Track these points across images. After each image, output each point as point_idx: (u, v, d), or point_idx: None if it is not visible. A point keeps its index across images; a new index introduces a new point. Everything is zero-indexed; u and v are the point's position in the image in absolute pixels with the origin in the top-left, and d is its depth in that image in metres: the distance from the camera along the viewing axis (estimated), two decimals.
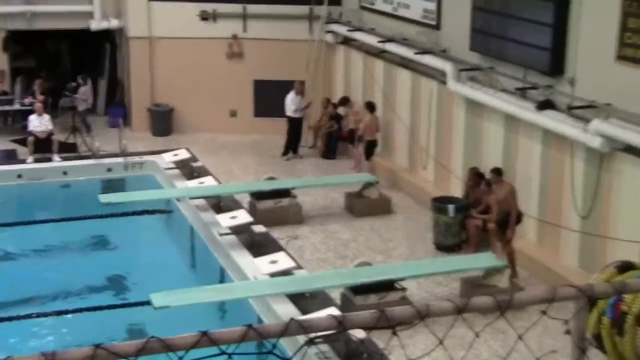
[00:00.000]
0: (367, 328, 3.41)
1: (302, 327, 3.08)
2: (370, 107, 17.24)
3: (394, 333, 3.38)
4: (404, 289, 11.75)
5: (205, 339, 2.99)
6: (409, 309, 3.42)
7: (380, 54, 17.94)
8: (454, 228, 13.90)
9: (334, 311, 10.70)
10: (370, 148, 17.10)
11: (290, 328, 3.07)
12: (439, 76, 15.69)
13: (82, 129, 19.65)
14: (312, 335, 3.19)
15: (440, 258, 13.62)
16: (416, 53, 16.21)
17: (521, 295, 4.39)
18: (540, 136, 13.15)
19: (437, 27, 16.09)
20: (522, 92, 13.46)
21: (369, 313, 3.26)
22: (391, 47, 17.26)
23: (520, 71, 13.54)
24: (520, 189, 13.06)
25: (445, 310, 3.59)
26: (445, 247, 13.98)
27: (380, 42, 17.58)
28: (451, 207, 13.96)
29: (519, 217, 12.76)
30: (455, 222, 13.88)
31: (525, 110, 13.15)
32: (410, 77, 17.02)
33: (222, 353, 3.14)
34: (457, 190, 15.06)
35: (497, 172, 13.02)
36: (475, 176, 14.22)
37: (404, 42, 16.97)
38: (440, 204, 14.16)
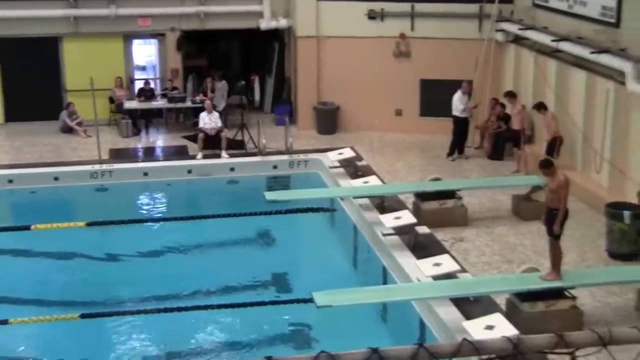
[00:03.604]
0: (544, 352, 3.14)
1: (475, 349, 2.86)
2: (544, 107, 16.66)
3: (573, 359, 3.11)
4: (574, 298, 11.23)
5: (376, 356, 2.85)
6: (590, 334, 3.13)
7: (553, 53, 17.30)
8: (630, 236, 13.18)
9: (499, 317, 10.42)
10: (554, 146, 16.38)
11: (463, 349, 2.86)
12: (617, 76, 14.94)
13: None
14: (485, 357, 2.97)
15: (614, 267, 12.96)
16: (592, 52, 15.50)
17: None
18: None
19: (616, 24, 15.31)
20: None
21: (546, 337, 3.01)
22: (565, 46, 16.60)
23: None
24: None
25: (632, 338, 3.26)
26: (619, 256, 13.28)
27: (554, 40, 16.94)
28: (627, 214, 13.23)
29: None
30: (631, 229, 13.16)
31: None
32: (584, 78, 16.31)
33: None
34: (633, 196, 14.26)
35: (546, 164, 11.49)
36: None
37: (579, 40, 16.27)
38: (615, 209, 13.46)
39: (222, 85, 21.29)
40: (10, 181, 17.86)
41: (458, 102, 18.61)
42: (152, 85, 22.25)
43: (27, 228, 14.11)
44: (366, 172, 17.25)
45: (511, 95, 18.04)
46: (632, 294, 11.79)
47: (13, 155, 19.51)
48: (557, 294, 11.21)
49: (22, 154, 19.46)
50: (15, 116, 21.60)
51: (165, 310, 12.08)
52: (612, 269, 12.69)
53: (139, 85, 22.27)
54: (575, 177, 16.40)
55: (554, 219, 11.24)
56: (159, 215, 17.26)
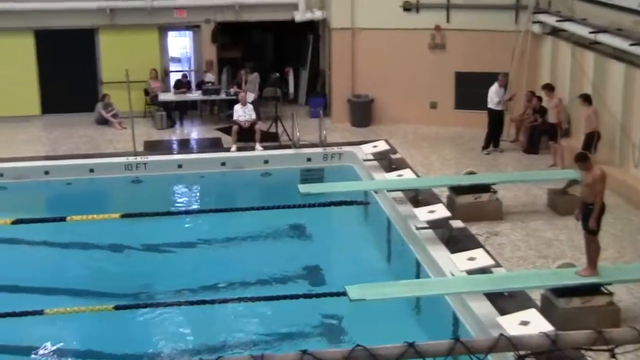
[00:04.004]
0: (582, 348, 3.06)
1: (512, 344, 2.79)
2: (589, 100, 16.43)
3: (613, 356, 3.02)
4: (611, 294, 11.06)
5: (412, 350, 2.79)
6: (630, 331, 3.03)
7: (591, 45, 17.05)
8: None
9: (534, 313, 10.28)
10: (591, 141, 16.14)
11: (500, 344, 2.79)
12: None
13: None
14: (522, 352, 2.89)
15: None
16: (632, 44, 15.25)
17: None
18: None
19: None
20: None
21: (585, 333, 2.92)
22: (604, 37, 16.36)
23: None
24: None
25: None
26: None
27: (592, 32, 16.70)
28: None
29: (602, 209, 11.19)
30: None
31: None
32: (623, 70, 16.06)
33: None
34: None
35: (581, 158, 11.26)
36: None
37: (619, 32, 16.03)
38: None
39: (253, 78, 21.24)
40: (47, 172, 18.01)
41: (494, 95, 18.44)
42: (189, 78, 22.33)
43: (62, 219, 14.25)
44: (400, 165, 17.15)
45: (549, 88, 17.81)
46: None
47: (49, 146, 19.68)
48: (593, 290, 11.05)
49: (58, 146, 19.62)
50: (52, 108, 21.78)
51: (198, 302, 12.13)
52: None
53: (174, 77, 22.34)
54: (614, 171, 16.16)
55: (589, 214, 11.08)
56: (193, 207, 17.31)
